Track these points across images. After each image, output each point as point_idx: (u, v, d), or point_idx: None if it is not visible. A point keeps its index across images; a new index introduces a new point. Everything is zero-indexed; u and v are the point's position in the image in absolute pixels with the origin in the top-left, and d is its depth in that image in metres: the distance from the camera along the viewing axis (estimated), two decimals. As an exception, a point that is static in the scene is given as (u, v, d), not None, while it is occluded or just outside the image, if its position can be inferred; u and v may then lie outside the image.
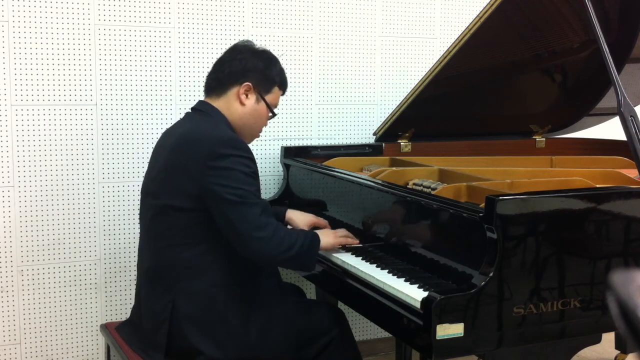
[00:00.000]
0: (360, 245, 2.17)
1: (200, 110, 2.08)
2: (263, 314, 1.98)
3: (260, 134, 2.20)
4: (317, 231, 2.12)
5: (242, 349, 1.93)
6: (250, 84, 2.05)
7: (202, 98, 2.14)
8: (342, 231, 2.19)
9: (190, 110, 2.13)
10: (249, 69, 2.06)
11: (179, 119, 2.16)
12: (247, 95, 2.06)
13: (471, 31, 2.36)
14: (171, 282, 1.94)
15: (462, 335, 1.63)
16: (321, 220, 2.33)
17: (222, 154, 1.89)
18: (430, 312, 1.60)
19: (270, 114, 2.14)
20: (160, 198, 1.97)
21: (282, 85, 2.15)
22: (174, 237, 1.95)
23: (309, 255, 1.99)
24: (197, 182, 1.90)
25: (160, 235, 1.97)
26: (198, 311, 1.92)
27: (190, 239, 1.94)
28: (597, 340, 1.88)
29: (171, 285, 1.94)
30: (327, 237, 2.11)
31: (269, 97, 2.10)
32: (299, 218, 2.32)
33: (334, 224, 2.38)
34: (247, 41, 2.14)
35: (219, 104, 2.06)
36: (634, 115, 1.98)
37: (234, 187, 1.88)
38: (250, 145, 2.84)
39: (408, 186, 2.29)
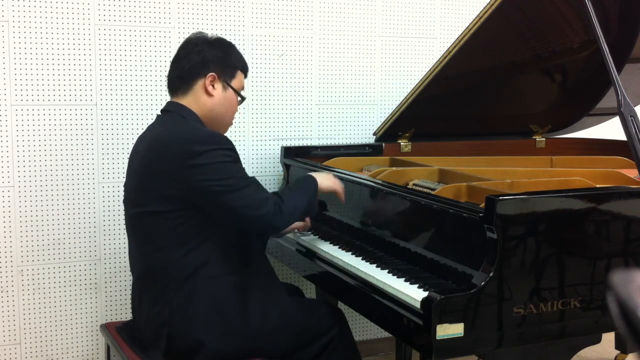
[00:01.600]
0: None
1: (170, 111, 2.06)
2: (261, 302, 1.99)
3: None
4: (314, 174, 2.18)
5: (244, 340, 1.94)
6: (214, 74, 2.04)
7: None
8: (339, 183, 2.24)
9: (160, 113, 2.12)
10: (209, 59, 2.05)
11: (151, 123, 2.14)
12: (213, 86, 2.05)
13: (471, 31, 2.36)
14: (166, 284, 1.94)
15: (462, 335, 1.63)
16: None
17: (200, 151, 1.89)
18: (430, 312, 1.60)
19: (240, 99, 2.13)
20: (141, 204, 1.96)
21: (244, 68, 2.15)
22: (161, 241, 1.94)
23: (311, 204, 2.11)
24: (179, 184, 1.89)
25: (148, 241, 1.97)
26: (196, 308, 1.93)
27: (177, 239, 1.93)
28: (597, 340, 1.88)
29: (166, 287, 1.94)
30: (327, 180, 2.18)
31: (234, 83, 2.10)
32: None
33: (334, 224, 2.38)
34: (199, 33, 2.12)
35: (186, 101, 2.05)
36: (634, 115, 1.98)
37: (221, 179, 1.89)
38: (250, 146, 2.87)
39: (408, 186, 2.29)
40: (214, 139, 1.93)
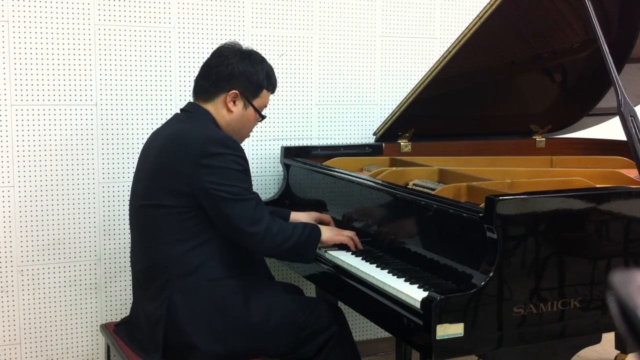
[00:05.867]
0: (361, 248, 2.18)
1: (189, 111, 2.09)
2: (263, 301, 2.01)
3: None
4: (322, 226, 2.14)
5: (246, 338, 1.95)
6: (237, 91, 2.06)
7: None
8: (349, 232, 2.19)
9: (179, 112, 2.15)
10: (235, 75, 2.06)
11: (167, 120, 2.17)
12: (234, 102, 2.07)
13: (471, 31, 2.36)
14: (166, 280, 1.95)
15: (462, 335, 1.63)
16: (324, 216, 2.36)
17: (214, 153, 1.92)
18: (430, 312, 1.60)
19: (260, 118, 2.15)
20: (150, 198, 1.98)
21: (271, 87, 2.15)
22: (167, 235, 1.96)
23: (306, 246, 2.04)
24: (189, 181, 1.92)
25: (153, 234, 1.99)
26: (196, 306, 1.93)
27: (182, 236, 1.95)
28: (597, 340, 1.88)
29: (166, 283, 1.95)
30: (331, 232, 2.14)
31: (257, 101, 2.11)
32: (301, 219, 2.32)
33: (334, 224, 2.38)
34: (234, 43, 2.13)
35: (207, 107, 2.08)
36: (634, 115, 1.98)
37: (227, 185, 1.91)
38: (250, 146, 2.87)
39: (408, 186, 2.29)
40: (229, 143, 1.96)
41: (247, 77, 2.07)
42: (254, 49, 2.16)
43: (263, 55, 2.17)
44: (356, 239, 2.17)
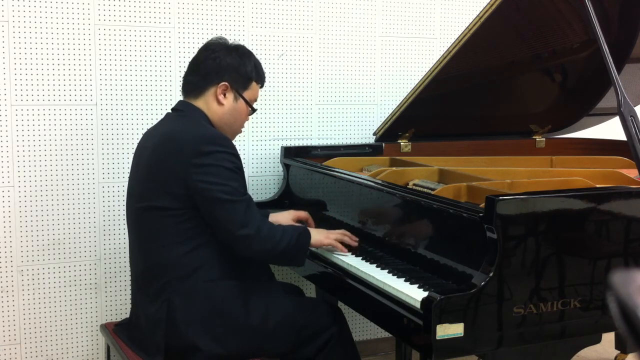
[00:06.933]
0: (356, 244, 2.17)
1: (181, 110, 2.08)
2: (262, 302, 2.00)
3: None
4: (311, 229, 2.12)
5: (245, 339, 1.95)
6: (226, 83, 2.06)
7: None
8: (337, 233, 2.17)
9: (170, 111, 2.14)
10: (224, 68, 2.06)
11: (159, 120, 2.17)
12: (224, 95, 2.06)
13: (471, 31, 2.36)
14: (165, 282, 1.95)
15: (462, 335, 1.63)
16: (302, 213, 2.34)
17: (206, 151, 1.91)
18: (430, 312, 1.60)
19: (250, 110, 2.14)
20: (146, 199, 1.98)
21: (260, 79, 2.15)
22: (164, 237, 1.95)
23: (296, 250, 2.01)
24: (183, 181, 1.91)
25: (150, 237, 1.98)
26: (195, 308, 1.93)
27: (180, 237, 1.94)
28: (597, 340, 1.88)
29: (165, 285, 1.94)
30: (319, 235, 2.11)
31: (247, 94, 2.10)
32: (280, 219, 2.28)
33: (334, 224, 2.38)
34: (220, 38, 2.14)
35: (198, 104, 2.07)
36: (634, 115, 1.98)
37: (219, 184, 1.90)
38: (250, 146, 2.87)
39: (408, 186, 2.29)
40: (222, 141, 1.95)
41: (235, 69, 2.07)
42: (243, 45, 2.17)
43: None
44: (346, 238, 2.15)
